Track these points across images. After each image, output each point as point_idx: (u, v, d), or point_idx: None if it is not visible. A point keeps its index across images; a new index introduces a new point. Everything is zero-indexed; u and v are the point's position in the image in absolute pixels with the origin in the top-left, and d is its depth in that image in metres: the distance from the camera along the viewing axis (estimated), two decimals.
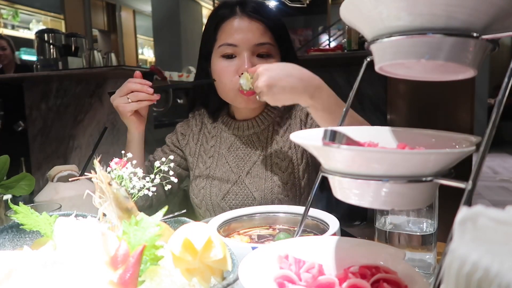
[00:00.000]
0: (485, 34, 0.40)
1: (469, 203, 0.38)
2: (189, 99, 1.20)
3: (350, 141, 0.42)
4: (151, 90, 0.92)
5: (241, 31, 0.96)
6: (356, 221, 1.25)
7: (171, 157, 0.76)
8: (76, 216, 0.61)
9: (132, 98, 0.92)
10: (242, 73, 0.91)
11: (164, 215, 0.54)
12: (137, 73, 0.94)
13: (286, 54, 1.03)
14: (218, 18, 1.00)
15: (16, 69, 3.60)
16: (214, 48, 1.00)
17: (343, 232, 0.83)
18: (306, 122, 1.04)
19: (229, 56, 0.97)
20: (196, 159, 1.10)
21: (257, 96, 0.81)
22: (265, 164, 1.03)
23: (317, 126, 0.93)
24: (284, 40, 1.02)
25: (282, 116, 1.07)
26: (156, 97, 0.94)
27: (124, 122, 0.97)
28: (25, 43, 5.81)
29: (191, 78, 3.69)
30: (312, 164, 1.04)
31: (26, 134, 2.74)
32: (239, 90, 0.94)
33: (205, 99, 1.10)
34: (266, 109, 1.07)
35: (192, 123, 1.15)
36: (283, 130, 1.06)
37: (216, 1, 7.46)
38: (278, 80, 0.76)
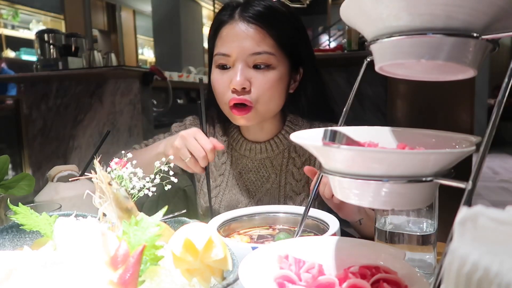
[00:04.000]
0: (485, 34, 0.40)
1: (469, 203, 0.38)
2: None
3: (350, 141, 0.42)
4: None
5: (235, 38, 0.85)
6: None
7: (171, 157, 0.76)
8: (76, 216, 0.61)
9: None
10: None
11: (164, 215, 0.54)
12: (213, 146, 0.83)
13: (298, 62, 0.93)
14: (217, 22, 0.90)
15: None
16: (213, 56, 0.91)
17: (343, 232, 0.82)
18: None
19: (224, 67, 0.88)
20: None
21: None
22: (278, 194, 0.97)
23: None
24: (294, 47, 0.90)
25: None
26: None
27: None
28: (25, 43, 5.81)
29: (191, 78, 3.69)
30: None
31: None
32: (230, 107, 0.87)
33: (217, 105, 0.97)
34: (280, 134, 0.97)
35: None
36: (301, 161, 0.96)
37: (216, 1, 7.46)
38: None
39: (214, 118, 1.05)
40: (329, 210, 0.78)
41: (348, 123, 0.58)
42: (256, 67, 0.86)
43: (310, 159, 0.97)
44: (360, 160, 0.42)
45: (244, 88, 0.85)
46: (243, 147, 0.99)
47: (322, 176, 0.63)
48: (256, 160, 0.99)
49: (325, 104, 0.99)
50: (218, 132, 1.04)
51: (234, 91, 0.86)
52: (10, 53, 5.63)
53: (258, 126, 0.97)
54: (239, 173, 1.01)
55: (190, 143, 0.82)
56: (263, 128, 0.98)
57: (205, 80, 1.00)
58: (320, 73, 0.98)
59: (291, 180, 0.98)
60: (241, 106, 0.87)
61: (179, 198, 1.31)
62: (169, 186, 0.74)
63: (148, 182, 0.67)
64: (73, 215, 0.60)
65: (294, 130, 0.96)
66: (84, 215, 0.63)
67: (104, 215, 0.56)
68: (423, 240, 0.64)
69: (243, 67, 0.85)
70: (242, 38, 0.85)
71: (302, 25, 0.95)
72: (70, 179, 0.87)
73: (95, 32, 6.90)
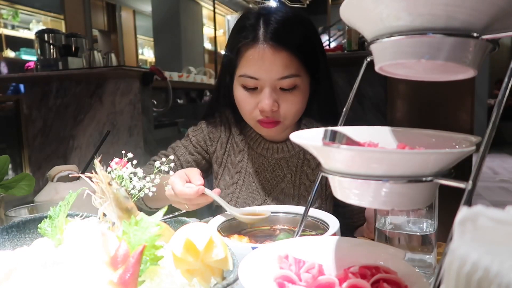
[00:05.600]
0: (485, 34, 0.40)
1: (469, 203, 0.38)
2: (212, 99, 1.10)
3: (350, 141, 0.42)
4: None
5: (262, 63, 0.87)
6: None
7: (171, 157, 0.76)
8: (76, 216, 0.61)
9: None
10: None
11: (164, 215, 0.54)
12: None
13: (316, 73, 0.94)
14: (240, 40, 0.90)
15: None
16: (235, 75, 0.93)
17: (343, 232, 0.82)
18: None
19: (250, 88, 0.91)
20: (222, 170, 1.05)
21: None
22: (293, 194, 1.00)
23: None
24: (315, 61, 0.93)
25: None
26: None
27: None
28: (25, 43, 5.80)
29: (191, 78, 3.69)
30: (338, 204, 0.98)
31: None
32: (258, 121, 0.93)
33: (232, 105, 1.00)
34: None
35: (220, 129, 1.06)
36: (315, 163, 0.99)
37: (216, 1, 7.46)
38: None
39: (229, 118, 1.07)
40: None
41: (348, 123, 0.58)
42: (282, 89, 0.90)
43: None
44: (360, 160, 0.42)
45: (272, 109, 0.89)
46: (260, 146, 1.02)
47: (321, 176, 0.63)
48: (272, 159, 1.02)
49: (334, 107, 1.01)
50: (235, 132, 1.06)
51: (263, 111, 0.90)
52: (10, 53, 5.62)
53: None
54: (255, 172, 1.03)
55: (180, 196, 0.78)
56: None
57: (209, 81, 1.01)
58: (331, 76, 0.99)
59: (305, 181, 1.00)
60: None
61: None
62: (169, 186, 0.74)
63: (148, 182, 0.67)
64: (73, 215, 0.60)
65: None
66: (84, 215, 0.63)
67: (104, 215, 0.56)
68: (423, 240, 0.64)
69: (271, 90, 0.89)
70: (269, 63, 0.87)
71: (316, 30, 0.96)
72: (70, 175, 0.88)
73: (95, 32, 6.89)
